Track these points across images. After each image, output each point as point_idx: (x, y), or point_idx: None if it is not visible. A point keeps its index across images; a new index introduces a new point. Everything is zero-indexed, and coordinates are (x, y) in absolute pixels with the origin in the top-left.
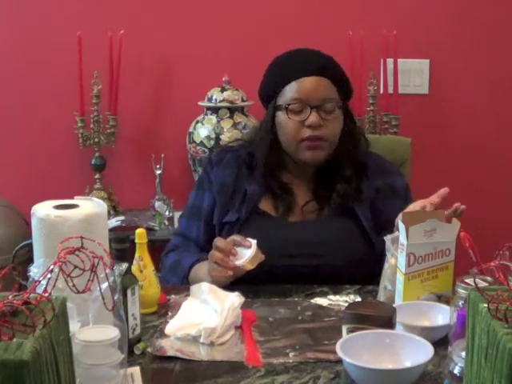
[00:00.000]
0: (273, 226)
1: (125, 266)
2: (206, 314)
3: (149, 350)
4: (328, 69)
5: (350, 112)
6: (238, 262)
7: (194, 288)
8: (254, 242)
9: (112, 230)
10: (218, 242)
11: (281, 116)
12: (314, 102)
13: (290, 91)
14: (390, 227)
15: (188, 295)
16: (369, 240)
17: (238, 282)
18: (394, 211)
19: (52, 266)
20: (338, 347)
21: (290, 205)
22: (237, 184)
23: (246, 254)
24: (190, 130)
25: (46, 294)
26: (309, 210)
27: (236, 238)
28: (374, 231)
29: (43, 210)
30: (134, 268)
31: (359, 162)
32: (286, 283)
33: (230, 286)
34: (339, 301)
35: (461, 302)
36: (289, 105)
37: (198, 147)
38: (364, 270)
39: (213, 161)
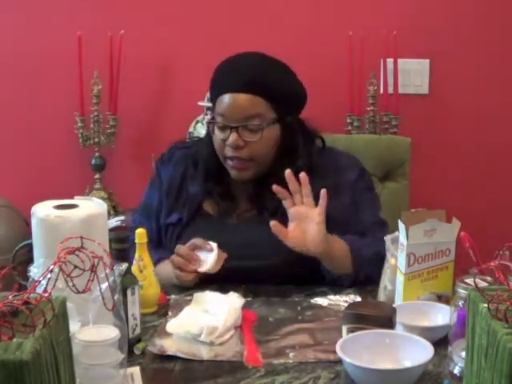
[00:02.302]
0: (214, 228)
1: (125, 266)
2: (207, 316)
3: (149, 348)
4: (259, 84)
5: (293, 126)
6: (202, 269)
7: (197, 296)
8: (214, 245)
9: (112, 229)
10: (180, 249)
11: (213, 128)
12: (236, 122)
13: (219, 105)
14: (335, 227)
15: (188, 295)
16: None
17: (237, 282)
18: (334, 209)
19: (52, 266)
20: (337, 347)
21: (230, 210)
22: (182, 184)
23: (208, 258)
24: (190, 129)
25: (46, 294)
26: (246, 216)
27: (197, 242)
28: None
29: (43, 210)
30: (133, 268)
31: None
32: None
33: (229, 287)
34: (339, 301)
35: (461, 302)
36: (215, 120)
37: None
38: (305, 269)
39: (163, 157)
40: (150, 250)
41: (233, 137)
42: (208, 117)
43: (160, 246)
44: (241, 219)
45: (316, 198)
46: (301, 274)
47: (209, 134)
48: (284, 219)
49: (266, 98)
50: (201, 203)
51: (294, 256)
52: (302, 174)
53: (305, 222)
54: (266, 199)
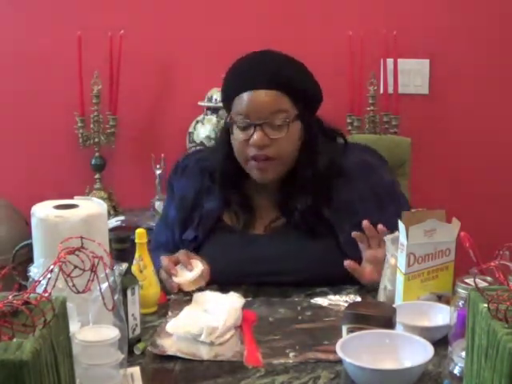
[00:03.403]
0: (234, 242)
1: (125, 266)
2: (207, 316)
3: (149, 348)
4: (281, 80)
5: (313, 122)
6: (177, 279)
7: (197, 296)
8: (198, 267)
9: (112, 230)
10: (163, 260)
11: (232, 129)
12: (259, 119)
13: (238, 104)
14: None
15: (188, 295)
16: (344, 253)
17: (237, 282)
18: (388, 217)
19: (52, 266)
20: (337, 347)
21: (251, 221)
22: (197, 199)
23: (187, 275)
24: (190, 129)
25: (46, 294)
26: (274, 225)
27: (182, 256)
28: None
29: (43, 210)
30: (134, 268)
31: (326, 175)
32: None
33: (229, 286)
34: (339, 301)
35: (461, 302)
36: (235, 120)
37: (198, 147)
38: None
39: (178, 168)
40: (155, 253)
41: (258, 135)
42: (217, 118)
43: (175, 252)
44: (269, 230)
45: (353, 202)
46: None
47: (223, 141)
48: (316, 222)
49: (287, 93)
50: (219, 217)
51: (330, 268)
52: (380, 227)
53: (382, 264)
54: (295, 203)
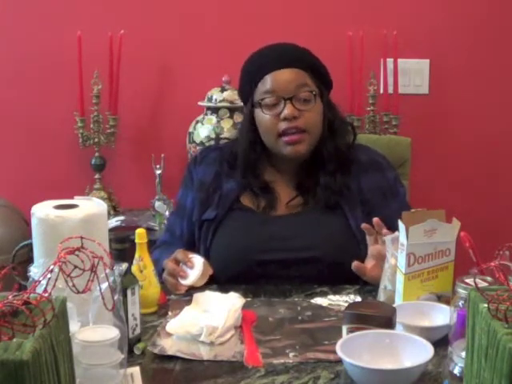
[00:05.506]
0: (253, 220)
1: (125, 265)
2: (207, 316)
3: (149, 348)
4: (302, 60)
5: (330, 102)
6: (185, 282)
7: (197, 296)
8: (200, 262)
9: (112, 230)
10: (167, 265)
11: (258, 112)
12: (288, 93)
13: (263, 86)
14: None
15: (188, 295)
16: (354, 237)
17: (237, 281)
18: (390, 213)
19: (52, 266)
20: (338, 347)
21: (272, 203)
22: (216, 181)
23: (192, 273)
24: (190, 129)
25: (46, 294)
26: (293, 205)
27: (179, 255)
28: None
29: (43, 209)
30: (134, 268)
31: (344, 154)
32: (266, 279)
33: (230, 286)
34: (339, 301)
35: (461, 302)
36: (262, 99)
37: (198, 147)
38: (347, 267)
39: (197, 158)
40: (175, 248)
41: (288, 108)
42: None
43: (189, 246)
44: (288, 209)
45: (363, 191)
46: (340, 270)
47: (246, 130)
48: (333, 199)
49: (308, 71)
50: (237, 197)
51: (340, 253)
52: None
53: (384, 262)
54: (310, 181)
